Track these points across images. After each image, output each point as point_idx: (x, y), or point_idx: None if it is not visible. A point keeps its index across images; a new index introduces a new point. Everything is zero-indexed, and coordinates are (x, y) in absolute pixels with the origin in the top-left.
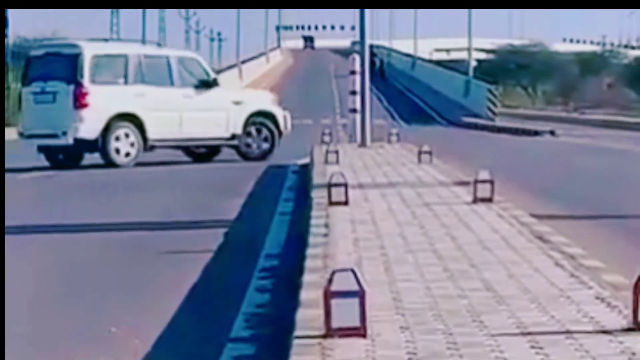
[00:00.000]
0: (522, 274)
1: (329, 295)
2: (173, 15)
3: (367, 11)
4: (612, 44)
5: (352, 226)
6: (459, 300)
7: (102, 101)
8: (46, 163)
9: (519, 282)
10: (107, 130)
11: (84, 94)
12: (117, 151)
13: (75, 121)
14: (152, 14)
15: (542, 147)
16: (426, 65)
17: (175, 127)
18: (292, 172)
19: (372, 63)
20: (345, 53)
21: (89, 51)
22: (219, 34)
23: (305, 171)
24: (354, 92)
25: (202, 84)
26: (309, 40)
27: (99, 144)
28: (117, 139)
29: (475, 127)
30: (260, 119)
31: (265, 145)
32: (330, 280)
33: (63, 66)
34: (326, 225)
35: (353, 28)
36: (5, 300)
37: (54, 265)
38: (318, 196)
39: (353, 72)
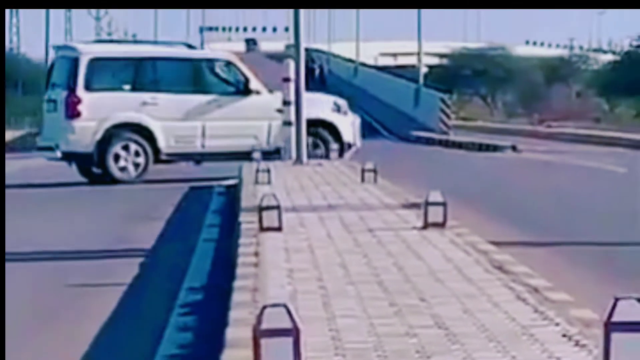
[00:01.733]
0: (479, 309)
1: (258, 334)
2: (82, 16)
3: (302, 10)
4: (580, 48)
5: (285, 255)
6: (407, 339)
7: (99, 110)
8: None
9: (475, 318)
10: (105, 142)
11: (75, 102)
12: (119, 166)
13: (66, 132)
14: (58, 14)
15: (502, 164)
16: (370, 71)
17: (197, 139)
18: (218, 194)
19: (310, 70)
20: (278, 57)
21: (86, 55)
22: (134, 35)
23: (233, 192)
24: (287, 103)
25: (237, 90)
26: (252, 43)
27: (95, 158)
28: (118, 152)
29: (427, 141)
30: (313, 130)
31: (321, 156)
32: (260, 317)
33: (64, 71)
34: (256, 254)
35: (287, 29)
36: None
37: None
38: (247, 221)
39: (287, 80)
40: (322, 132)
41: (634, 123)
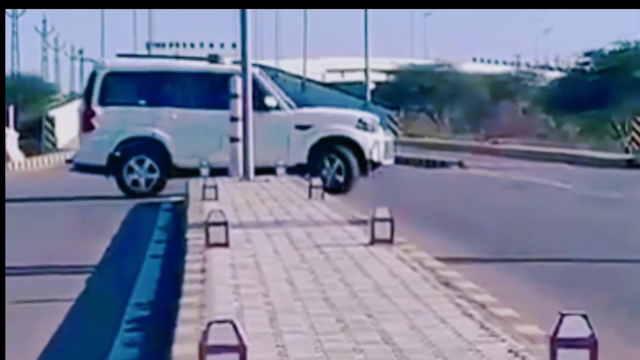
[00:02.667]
0: (425, 325)
1: (204, 350)
2: (28, 31)
3: (250, 26)
4: (527, 65)
5: (232, 271)
6: (353, 354)
7: (113, 124)
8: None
9: (422, 334)
10: (118, 156)
11: (89, 116)
12: (132, 179)
13: (81, 145)
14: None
15: (449, 180)
16: (318, 87)
17: (213, 155)
18: (164, 210)
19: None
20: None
21: (103, 69)
22: (80, 51)
23: (179, 209)
24: (235, 119)
25: (257, 105)
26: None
27: (111, 171)
28: (132, 166)
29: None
30: (335, 147)
31: (340, 179)
32: (206, 333)
33: (87, 85)
34: (203, 270)
35: (234, 46)
36: None
37: None
38: (194, 237)
39: (234, 96)
40: (342, 149)
41: (579, 139)
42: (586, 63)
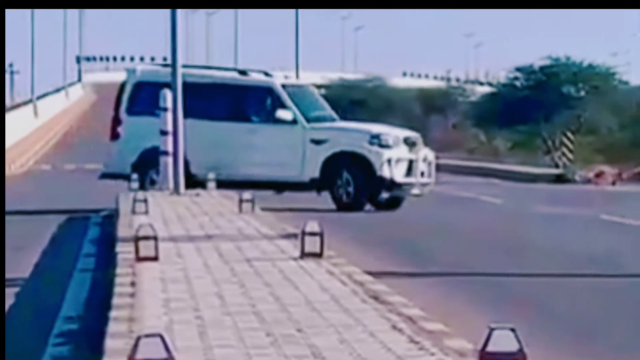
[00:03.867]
0: (355, 339)
1: None
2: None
3: (180, 40)
4: (457, 80)
5: (162, 285)
6: None
7: (137, 133)
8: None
9: (351, 348)
10: (140, 165)
11: (115, 125)
12: (154, 188)
13: (107, 154)
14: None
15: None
16: None
17: (230, 166)
18: (94, 224)
19: None
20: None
21: (132, 78)
22: (10, 65)
23: (110, 222)
24: (165, 132)
25: (274, 118)
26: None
27: (136, 180)
28: (152, 176)
29: None
30: (346, 162)
31: (351, 192)
32: (135, 347)
33: (117, 93)
34: (133, 284)
35: (165, 59)
36: None
37: None
38: (124, 251)
39: (164, 109)
40: (351, 165)
41: (510, 154)
42: (516, 78)
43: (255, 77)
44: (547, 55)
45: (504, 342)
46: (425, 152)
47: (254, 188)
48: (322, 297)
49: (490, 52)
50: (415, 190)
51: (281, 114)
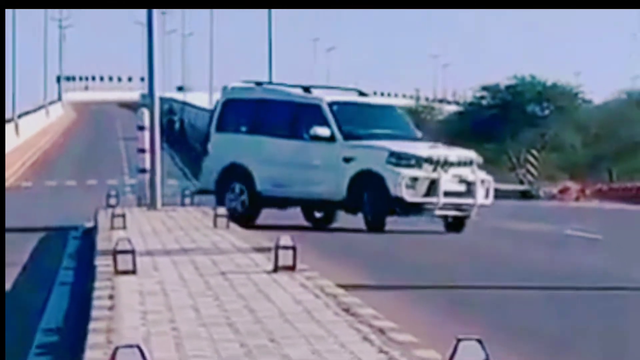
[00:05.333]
0: (327, 350)
1: None
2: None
3: (157, 61)
4: (426, 99)
5: (140, 297)
6: None
7: (221, 150)
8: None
9: (323, 359)
10: (221, 182)
11: (206, 142)
12: (231, 207)
13: (200, 170)
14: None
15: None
16: None
17: (285, 184)
18: (73, 238)
19: (170, 122)
20: (134, 107)
21: (224, 96)
22: None
23: (88, 237)
24: (142, 150)
25: (317, 136)
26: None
27: (218, 197)
28: (229, 194)
29: None
30: (366, 181)
31: (369, 211)
32: (113, 358)
33: (212, 110)
34: (111, 297)
35: (142, 79)
36: None
37: None
38: (102, 264)
39: (142, 128)
40: (368, 182)
41: None
42: (483, 97)
43: (305, 94)
44: (512, 74)
45: (471, 352)
46: (463, 172)
47: (301, 205)
48: (295, 309)
49: (457, 72)
50: (442, 212)
51: (318, 130)
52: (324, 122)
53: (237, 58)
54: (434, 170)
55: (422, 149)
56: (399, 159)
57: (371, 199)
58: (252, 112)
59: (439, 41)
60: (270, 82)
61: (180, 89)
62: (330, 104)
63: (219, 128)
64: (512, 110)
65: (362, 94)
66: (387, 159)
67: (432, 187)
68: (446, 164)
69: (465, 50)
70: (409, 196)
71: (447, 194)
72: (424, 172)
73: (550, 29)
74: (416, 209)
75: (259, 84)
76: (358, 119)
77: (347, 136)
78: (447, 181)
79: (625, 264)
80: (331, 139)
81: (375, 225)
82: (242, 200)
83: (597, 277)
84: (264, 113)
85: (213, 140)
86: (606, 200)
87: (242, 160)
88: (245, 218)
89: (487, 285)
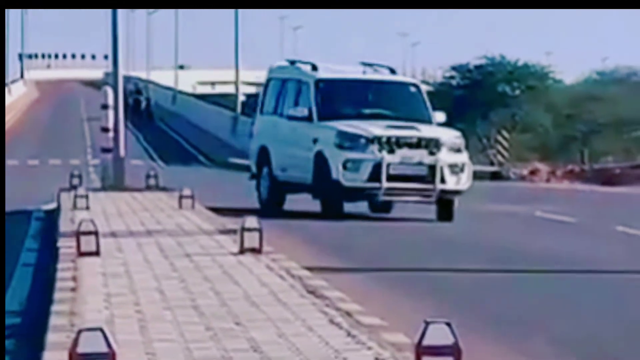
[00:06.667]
0: (293, 333)
1: (74, 357)
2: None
3: (121, 39)
4: None
5: (103, 279)
6: None
7: (257, 133)
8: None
9: (290, 342)
10: (257, 166)
11: (252, 124)
12: (260, 190)
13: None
14: None
15: None
16: (189, 99)
17: (287, 168)
18: (36, 219)
19: (137, 102)
20: (98, 86)
21: (267, 76)
22: None
23: (51, 218)
24: (106, 129)
25: (294, 116)
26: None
27: (257, 179)
28: (260, 175)
29: (244, 168)
30: (319, 164)
31: (319, 196)
32: (76, 341)
33: None
34: (74, 279)
35: (106, 57)
36: None
37: None
38: (65, 246)
39: (105, 107)
40: (320, 168)
41: None
42: (452, 77)
43: (307, 72)
44: (482, 54)
45: (439, 335)
46: (420, 154)
47: (298, 191)
48: (261, 291)
49: (426, 51)
50: (390, 197)
51: (291, 111)
52: (304, 101)
53: (203, 36)
54: (379, 151)
55: (376, 128)
56: (343, 140)
57: (318, 183)
58: (277, 93)
59: (408, 19)
60: (307, 62)
61: (181, 67)
62: (317, 82)
63: (262, 111)
64: (482, 90)
65: (392, 71)
66: (334, 140)
67: (375, 170)
68: (399, 145)
69: (434, 29)
70: (346, 180)
71: (395, 178)
72: (368, 155)
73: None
74: (356, 194)
75: (292, 62)
76: (352, 98)
77: (325, 116)
78: (398, 165)
79: (592, 246)
80: (309, 119)
81: (327, 211)
82: (267, 185)
83: (565, 259)
84: (281, 93)
85: (255, 122)
86: (577, 182)
87: (267, 143)
88: (269, 204)
89: (456, 268)
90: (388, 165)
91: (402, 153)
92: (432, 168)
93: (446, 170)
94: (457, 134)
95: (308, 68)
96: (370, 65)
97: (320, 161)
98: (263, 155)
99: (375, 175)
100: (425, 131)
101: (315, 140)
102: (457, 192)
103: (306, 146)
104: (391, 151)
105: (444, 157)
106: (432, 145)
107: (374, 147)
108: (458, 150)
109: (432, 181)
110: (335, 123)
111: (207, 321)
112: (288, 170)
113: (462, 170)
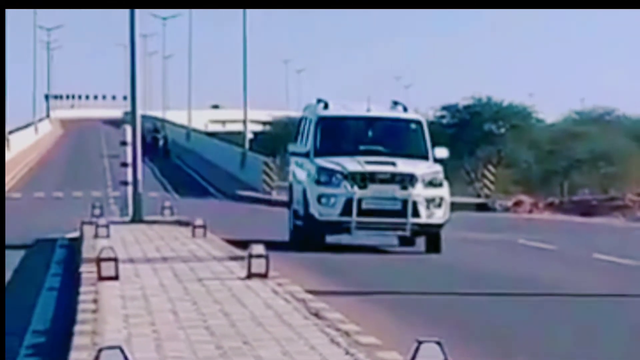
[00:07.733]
0: (297, 351)
1: None
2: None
3: (139, 80)
4: None
5: (122, 302)
6: None
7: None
8: None
9: None
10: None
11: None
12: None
13: None
14: None
15: None
16: (201, 137)
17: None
18: (60, 247)
19: (155, 140)
20: (117, 124)
21: (302, 114)
22: None
23: (74, 245)
24: (125, 164)
25: (294, 152)
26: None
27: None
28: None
29: (251, 200)
30: (306, 198)
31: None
32: (96, 358)
33: None
34: (95, 301)
35: (125, 98)
36: None
37: None
38: (87, 271)
39: (124, 143)
40: (304, 201)
41: None
42: (443, 116)
43: (311, 110)
44: (470, 95)
45: (431, 354)
46: (392, 189)
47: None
48: (267, 313)
49: (419, 92)
50: (365, 231)
51: (291, 146)
52: (305, 137)
53: (215, 78)
54: (351, 187)
55: (353, 164)
56: (321, 175)
57: (300, 217)
58: (300, 131)
59: (401, 64)
60: (321, 100)
61: (215, 107)
62: (320, 119)
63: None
64: (470, 128)
65: (405, 109)
66: (313, 176)
67: (347, 205)
68: (373, 180)
69: (426, 72)
70: (319, 215)
71: (367, 212)
72: (341, 190)
73: (507, 51)
74: (330, 227)
75: (318, 101)
76: (352, 134)
77: (322, 152)
78: (370, 199)
79: (571, 272)
80: (307, 155)
81: (307, 243)
82: (289, 217)
83: (545, 283)
84: (299, 131)
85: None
86: (557, 213)
87: (291, 179)
88: (294, 237)
89: (445, 291)
90: (360, 200)
91: (375, 188)
92: (405, 202)
93: (420, 205)
94: (438, 169)
95: (321, 106)
96: (397, 104)
97: (305, 196)
98: (289, 191)
99: (347, 210)
100: (402, 167)
101: (308, 175)
102: (432, 226)
103: (304, 181)
104: (364, 187)
105: (419, 191)
106: (406, 180)
107: (347, 183)
108: (438, 185)
109: (405, 215)
110: (321, 160)
111: (217, 340)
112: (293, 204)
113: (439, 205)
